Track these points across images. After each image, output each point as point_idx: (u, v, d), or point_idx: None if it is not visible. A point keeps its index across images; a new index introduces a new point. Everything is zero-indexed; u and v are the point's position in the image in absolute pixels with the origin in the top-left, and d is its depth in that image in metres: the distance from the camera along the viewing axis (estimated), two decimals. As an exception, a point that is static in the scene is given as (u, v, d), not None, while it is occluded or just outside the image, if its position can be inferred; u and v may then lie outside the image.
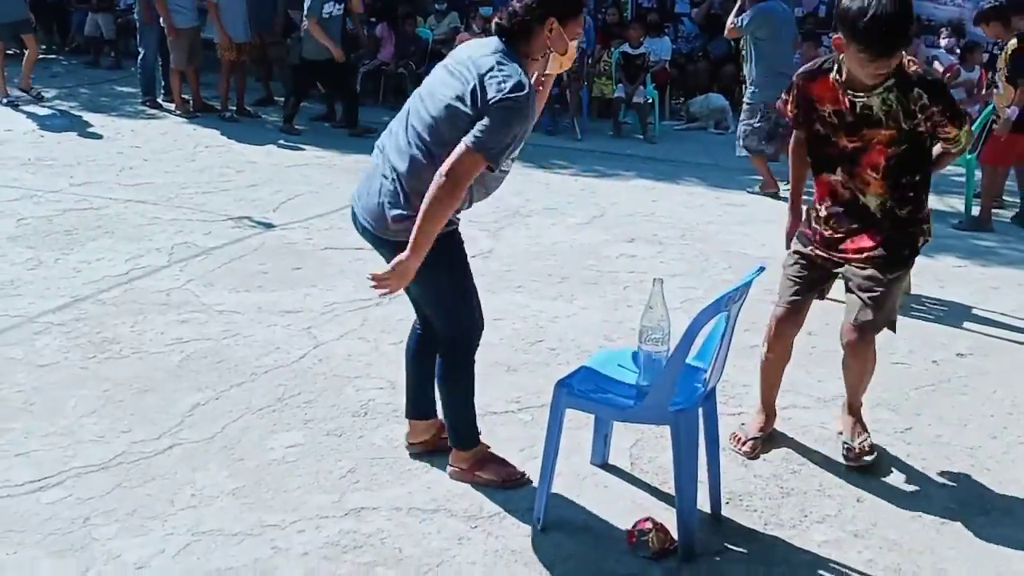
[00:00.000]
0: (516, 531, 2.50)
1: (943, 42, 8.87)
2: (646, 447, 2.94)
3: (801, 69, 2.82)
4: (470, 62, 2.32)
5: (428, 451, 2.85)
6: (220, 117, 8.40)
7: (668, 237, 5.39)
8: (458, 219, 2.53)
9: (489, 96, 2.23)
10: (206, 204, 5.67)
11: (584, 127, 8.85)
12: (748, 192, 6.60)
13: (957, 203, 6.34)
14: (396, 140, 2.45)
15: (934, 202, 6.38)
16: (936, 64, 8.59)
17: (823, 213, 2.83)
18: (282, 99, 8.86)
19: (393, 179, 2.40)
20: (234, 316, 3.92)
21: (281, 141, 7.72)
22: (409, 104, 2.48)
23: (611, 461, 2.85)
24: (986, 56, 8.14)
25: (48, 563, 2.30)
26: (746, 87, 6.50)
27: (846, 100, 2.59)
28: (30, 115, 8.23)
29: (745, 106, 6.48)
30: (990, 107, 5.98)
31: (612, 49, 9.21)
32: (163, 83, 9.18)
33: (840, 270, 2.85)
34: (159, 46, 8.78)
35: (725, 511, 2.61)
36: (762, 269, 2.37)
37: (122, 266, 4.49)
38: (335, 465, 2.80)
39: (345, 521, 2.51)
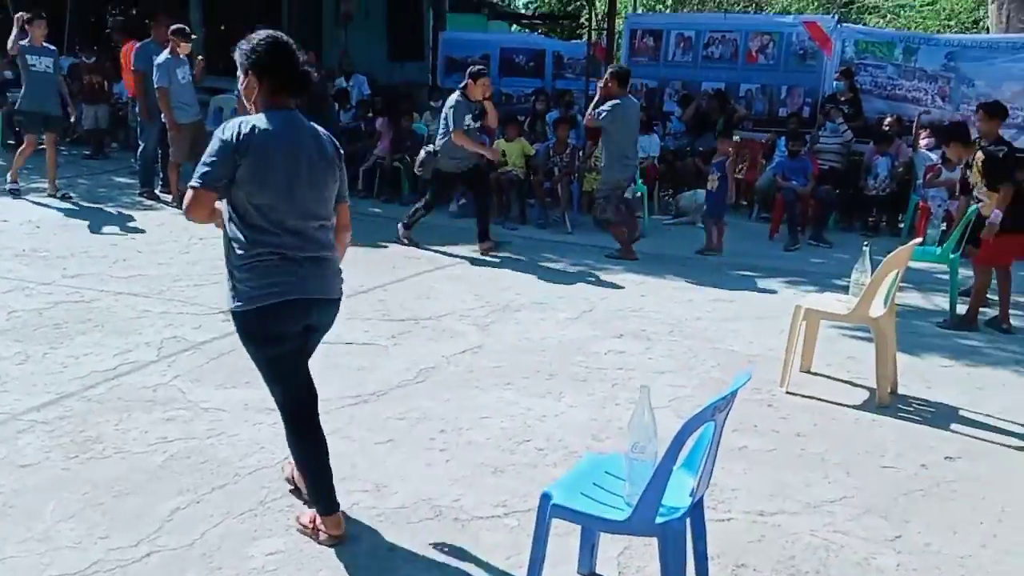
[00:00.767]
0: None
1: (923, 143, 9.13)
2: (634, 555, 2.90)
3: None
4: None
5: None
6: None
7: (656, 333, 5.42)
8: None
9: None
10: (197, 297, 5.69)
11: (575, 221, 9.00)
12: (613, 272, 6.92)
13: (941, 301, 6.41)
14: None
15: (918, 299, 6.51)
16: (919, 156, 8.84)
17: None
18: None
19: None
20: (220, 414, 3.90)
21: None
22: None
23: (598, 571, 2.80)
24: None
25: None
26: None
27: None
28: (27, 205, 8.33)
29: (599, 185, 7.64)
30: (973, 208, 6.10)
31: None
32: (161, 175, 9.34)
33: None
34: (160, 138, 8.97)
35: (714, 625, 2.55)
36: (749, 377, 2.39)
37: (110, 361, 4.48)
38: (315, 575, 2.74)
39: (324, 635, 2.44)
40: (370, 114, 10.93)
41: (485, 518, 3.12)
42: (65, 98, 9.13)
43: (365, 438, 3.72)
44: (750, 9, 16.52)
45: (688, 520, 2.45)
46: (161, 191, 9.22)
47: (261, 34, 2.77)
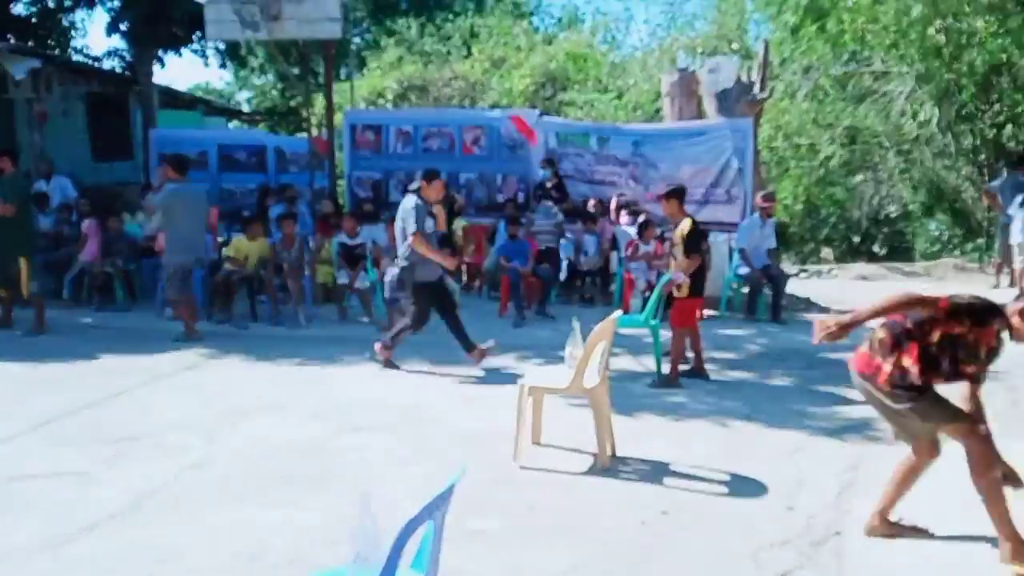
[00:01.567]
0: None
1: (623, 219, 10.12)
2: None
3: None
4: None
5: None
6: None
7: (393, 422, 5.43)
8: None
9: None
10: None
11: (310, 314, 8.85)
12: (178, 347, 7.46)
13: (650, 362, 7.06)
14: None
15: (630, 363, 7.13)
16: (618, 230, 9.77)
17: None
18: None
19: None
20: None
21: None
22: None
23: None
24: (659, 230, 9.37)
25: None
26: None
27: None
28: None
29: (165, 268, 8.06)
30: (666, 276, 6.84)
31: (332, 239, 9.46)
32: None
33: None
34: None
35: None
36: (463, 472, 2.46)
37: None
38: None
39: None
40: (74, 217, 10.10)
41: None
42: None
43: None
44: (465, 104, 17.53)
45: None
46: None
47: None
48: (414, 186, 6.84)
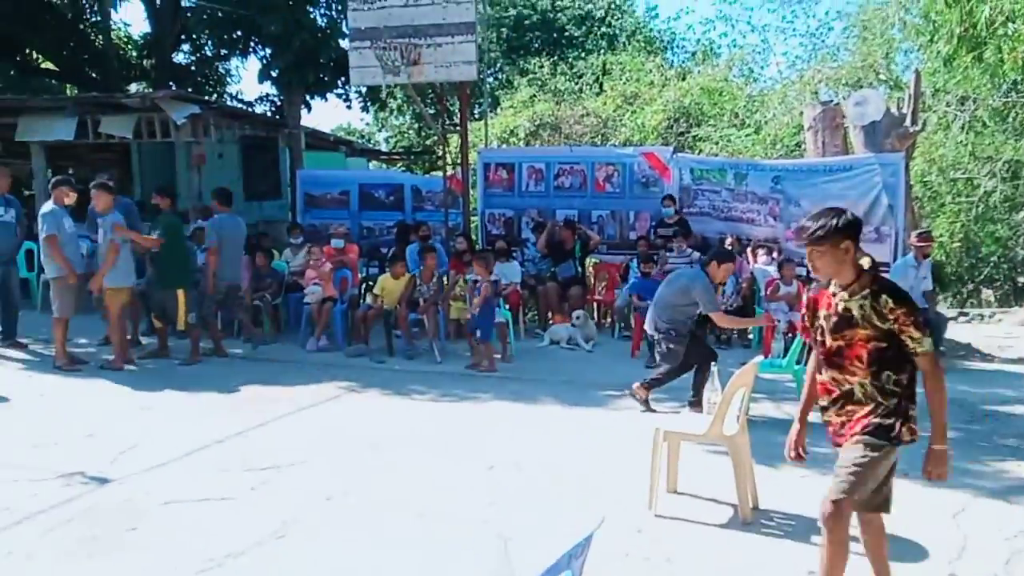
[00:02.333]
0: None
1: (761, 258, 9.78)
2: None
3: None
4: None
5: None
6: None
7: (523, 460, 5.39)
8: None
9: None
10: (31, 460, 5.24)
11: (443, 350, 8.99)
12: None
13: (792, 409, 6.71)
14: None
15: (771, 409, 6.81)
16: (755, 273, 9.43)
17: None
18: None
19: None
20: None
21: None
22: None
23: None
24: (801, 269, 8.98)
25: None
26: None
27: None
28: None
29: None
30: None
31: (465, 276, 9.60)
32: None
33: None
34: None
35: None
36: (602, 521, 2.39)
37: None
38: None
39: None
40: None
41: None
42: None
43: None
44: (596, 141, 17.55)
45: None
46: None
47: None
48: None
